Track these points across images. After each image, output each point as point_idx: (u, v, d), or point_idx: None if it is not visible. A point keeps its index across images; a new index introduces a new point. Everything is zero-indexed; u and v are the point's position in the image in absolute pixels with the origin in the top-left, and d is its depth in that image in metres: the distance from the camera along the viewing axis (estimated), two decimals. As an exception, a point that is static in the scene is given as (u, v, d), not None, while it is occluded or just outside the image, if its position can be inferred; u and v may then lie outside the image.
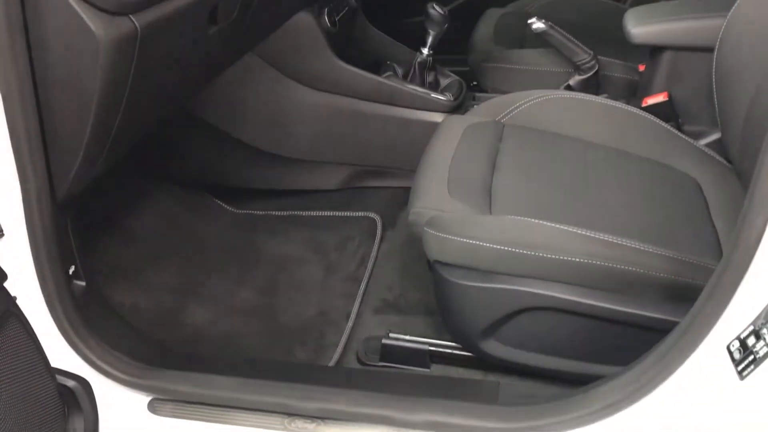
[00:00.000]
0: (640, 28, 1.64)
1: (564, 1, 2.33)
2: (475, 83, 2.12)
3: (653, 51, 1.71)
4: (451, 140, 1.48)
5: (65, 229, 1.19)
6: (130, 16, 1.05)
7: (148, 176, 1.99)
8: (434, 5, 1.89)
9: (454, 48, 2.22)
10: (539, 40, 1.88)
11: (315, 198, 2.04)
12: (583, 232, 1.19)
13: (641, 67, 1.85)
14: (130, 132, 1.25)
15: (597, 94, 1.78)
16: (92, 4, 1.00)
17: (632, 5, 2.39)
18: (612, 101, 1.59)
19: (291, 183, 2.07)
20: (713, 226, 1.31)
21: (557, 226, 1.20)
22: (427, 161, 1.44)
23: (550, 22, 1.83)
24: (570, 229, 1.19)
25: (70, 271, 1.20)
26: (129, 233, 1.82)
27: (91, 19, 1.00)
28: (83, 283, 1.24)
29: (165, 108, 1.45)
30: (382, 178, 2.04)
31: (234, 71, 1.80)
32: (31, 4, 0.99)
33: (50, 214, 1.11)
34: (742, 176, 1.35)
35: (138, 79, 1.12)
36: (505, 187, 1.36)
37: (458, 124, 1.55)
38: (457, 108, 1.91)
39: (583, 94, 1.62)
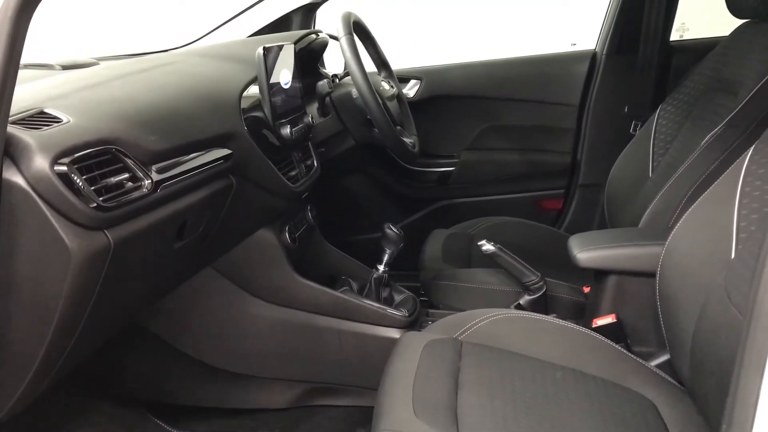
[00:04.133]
0: (585, 253, 1.72)
1: (505, 224, 2.46)
2: (424, 298, 2.15)
3: (598, 274, 1.77)
4: (412, 358, 1.47)
5: None
6: (105, 231, 1.05)
7: (84, 389, 1.87)
8: (390, 225, 1.97)
9: (403, 264, 2.29)
10: (487, 259, 1.95)
11: (263, 418, 1.94)
12: (553, 457, 1.16)
13: (586, 289, 1.93)
14: (84, 348, 1.20)
15: (546, 313, 1.83)
16: (69, 219, 0.99)
17: (567, 231, 2.56)
18: (563, 321, 1.63)
19: (238, 401, 1.97)
20: (676, 449, 1.30)
21: (526, 450, 1.17)
22: (389, 380, 1.41)
23: (499, 245, 1.92)
24: (539, 454, 1.16)
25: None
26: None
27: (66, 233, 0.98)
28: None
29: (122, 322, 1.41)
30: (334, 397, 1.97)
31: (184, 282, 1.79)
32: (6, 209, 0.96)
33: None
34: (695, 398, 1.37)
35: (102, 294, 1.10)
36: (470, 407, 1.33)
37: (417, 340, 1.55)
38: (413, 324, 1.92)
39: (535, 314, 1.65)
